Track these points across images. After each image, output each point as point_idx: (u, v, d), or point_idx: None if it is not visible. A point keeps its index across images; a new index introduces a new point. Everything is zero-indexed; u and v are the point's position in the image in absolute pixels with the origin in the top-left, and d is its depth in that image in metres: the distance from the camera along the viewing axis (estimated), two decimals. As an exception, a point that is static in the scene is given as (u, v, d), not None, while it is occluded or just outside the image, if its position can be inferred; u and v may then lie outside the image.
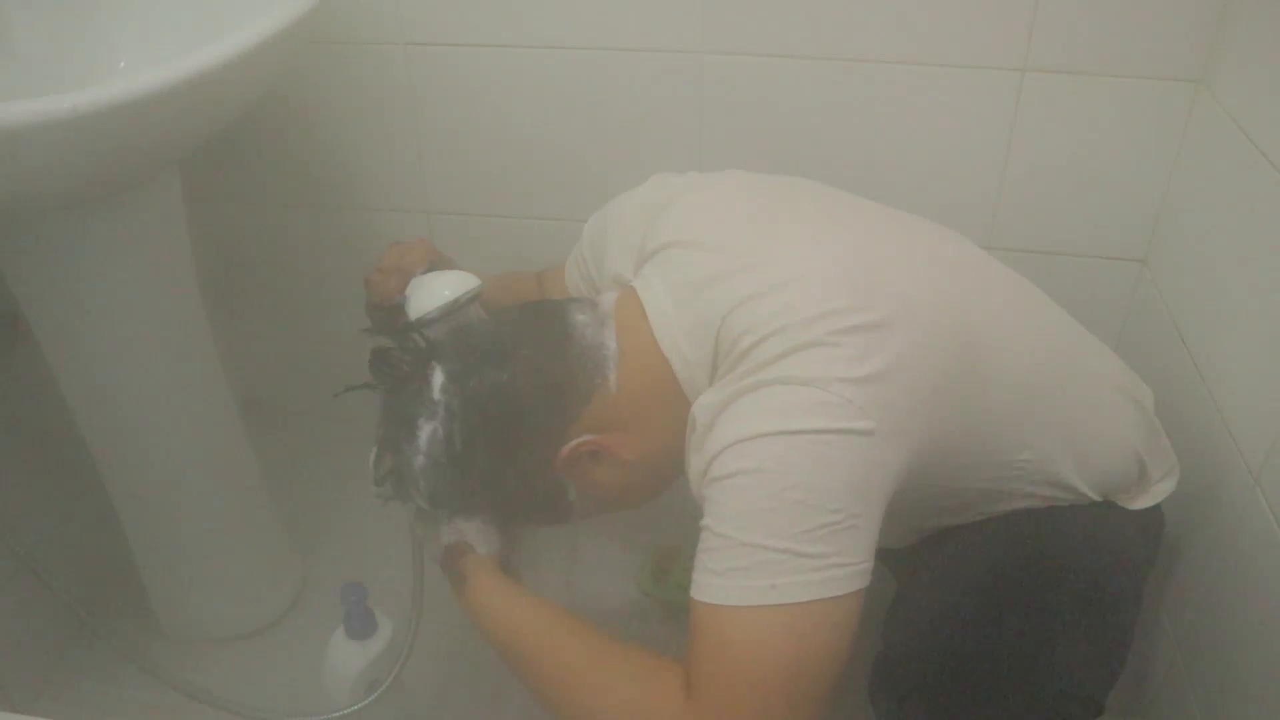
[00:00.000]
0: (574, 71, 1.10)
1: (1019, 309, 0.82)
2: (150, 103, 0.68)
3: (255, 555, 1.20)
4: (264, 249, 1.33)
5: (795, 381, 0.65)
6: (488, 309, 0.84)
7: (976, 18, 0.99)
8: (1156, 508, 0.85)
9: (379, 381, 0.80)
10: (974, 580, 0.78)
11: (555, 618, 0.75)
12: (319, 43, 1.12)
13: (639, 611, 1.22)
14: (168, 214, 0.95)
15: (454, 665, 1.13)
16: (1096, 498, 0.81)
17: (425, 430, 0.77)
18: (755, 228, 0.78)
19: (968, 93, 1.03)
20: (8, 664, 1.10)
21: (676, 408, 0.76)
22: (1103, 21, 0.96)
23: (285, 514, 1.23)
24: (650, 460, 0.80)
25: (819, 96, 1.06)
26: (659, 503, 0.87)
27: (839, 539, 0.64)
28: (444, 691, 1.13)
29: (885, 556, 0.92)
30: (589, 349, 0.78)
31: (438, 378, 0.77)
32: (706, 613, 0.65)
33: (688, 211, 0.83)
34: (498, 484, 0.80)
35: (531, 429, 0.78)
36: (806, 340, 0.66)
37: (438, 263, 0.88)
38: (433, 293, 0.82)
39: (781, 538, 0.63)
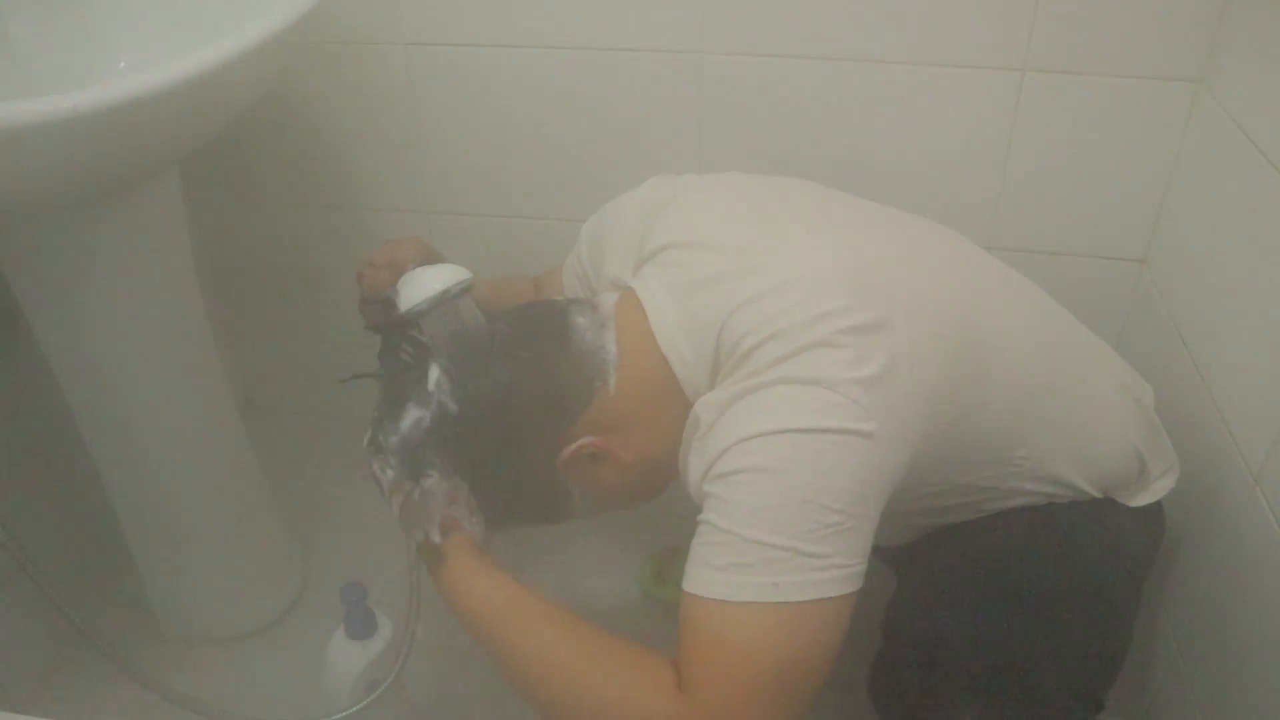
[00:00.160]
0: (574, 71, 1.10)
1: (1019, 308, 0.82)
2: (150, 103, 0.68)
3: (255, 555, 1.20)
4: (264, 249, 1.33)
5: (801, 381, 0.66)
6: (482, 307, 0.84)
7: (976, 18, 0.99)
8: (1157, 505, 0.85)
9: (384, 367, 0.80)
10: (973, 577, 0.78)
11: (539, 604, 0.73)
12: (319, 43, 1.13)
13: (639, 611, 1.22)
14: (168, 214, 0.95)
15: (454, 665, 1.13)
16: (1096, 494, 0.81)
17: (411, 415, 0.77)
18: (754, 228, 0.78)
19: (968, 93, 1.03)
20: (7, 664, 1.10)
21: (677, 408, 0.76)
22: (1103, 21, 0.96)
23: (285, 514, 1.23)
24: (651, 461, 0.79)
25: (819, 96, 1.06)
26: (659, 503, 0.87)
27: (840, 539, 0.64)
28: (444, 691, 1.13)
29: (885, 553, 0.92)
30: (589, 351, 0.78)
31: (433, 373, 0.77)
32: (703, 607, 0.65)
33: (686, 212, 0.83)
34: (497, 484, 0.80)
35: (532, 431, 0.78)
36: (809, 341, 0.66)
37: (430, 259, 0.88)
38: (422, 285, 0.82)
39: (786, 536, 0.63)
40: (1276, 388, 0.79)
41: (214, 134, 0.87)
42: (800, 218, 0.80)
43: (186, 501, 1.09)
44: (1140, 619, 0.82)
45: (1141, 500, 0.83)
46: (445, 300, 0.81)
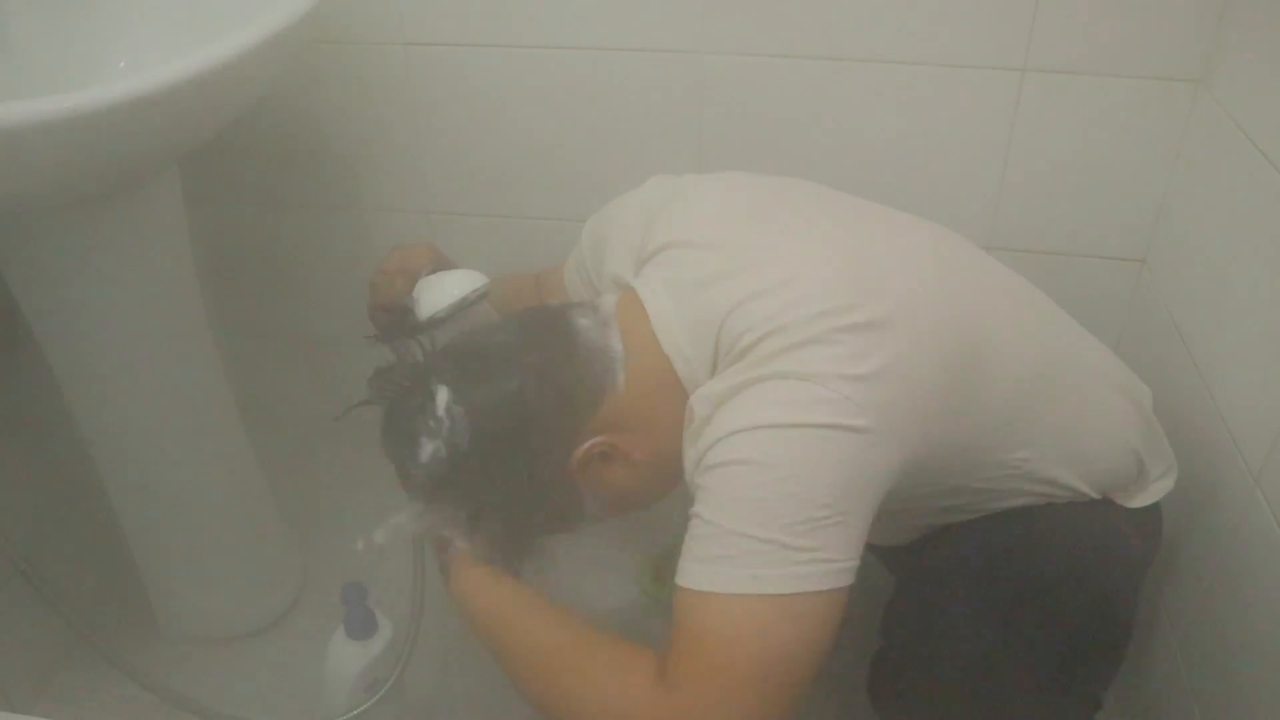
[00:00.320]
0: (574, 71, 1.10)
1: (1017, 309, 0.82)
2: (150, 103, 0.68)
3: (255, 555, 1.20)
4: (264, 249, 1.33)
5: (795, 376, 0.66)
6: (496, 308, 0.84)
7: (977, 18, 0.99)
8: (1155, 506, 0.85)
9: (379, 398, 0.79)
10: (972, 577, 0.78)
11: (536, 604, 0.76)
12: (319, 43, 1.12)
13: (639, 611, 1.22)
14: (168, 214, 0.95)
15: (454, 665, 1.13)
16: (1094, 495, 0.81)
17: (428, 448, 0.76)
18: (754, 227, 0.78)
19: (968, 93, 1.03)
20: (7, 664, 1.10)
21: (679, 406, 0.76)
22: (1103, 22, 0.96)
23: (285, 514, 1.23)
24: (659, 458, 0.79)
25: (819, 97, 1.06)
26: (659, 504, 0.87)
27: (826, 534, 0.64)
28: (444, 691, 1.13)
29: (884, 553, 0.92)
30: (595, 352, 0.78)
31: (442, 395, 0.75)
32: (686, 599, 0.66)
33: (687, 212, 0.83)
34: (512, 494, 0.79)
35: (543, 436, 0.77)
36: (806, 337, 0.67)
37: (442, 264, 0.88)
38: (443, 290, 0.82)
39: (769, 528, 0.63)
40: (1276, 388, 0.79)
41: (214, 134, 0.87)
42: (800, 217, 0.80)
43: (186, 501, 1.09)
44: (1140, 619, 0.82)
45: (1140, 501, 0.83)
46: (465, 306, 0.81)
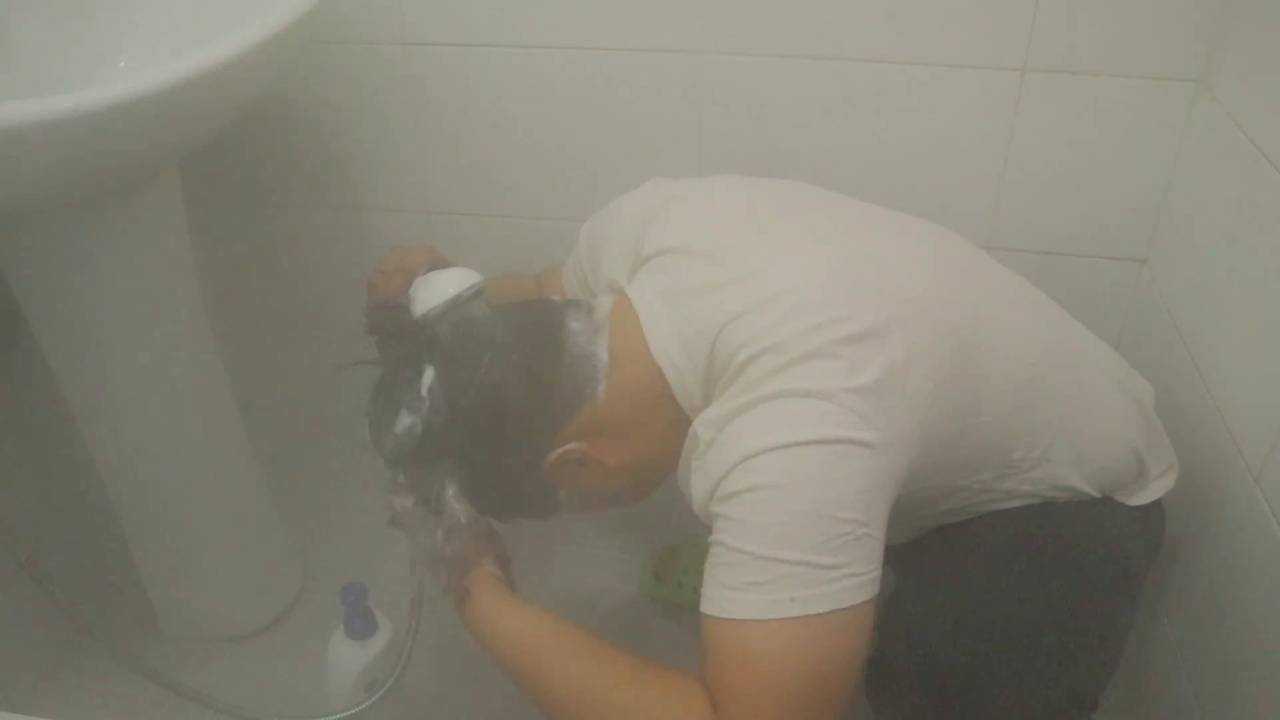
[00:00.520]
0: (574, 71, 1.10)
1: (1017, 310, 0.82)
2: (150, 103, 0.68)
3: (255, 555, 1.20)
4: (264, 249, 1.33)
5: (798, 394, 0.66)
6: (491, 306, 0.84)
7: (977, 18, 0.99)
8: (1156, 504, 0.85)
9: (383, 362, 0.80)
10: (970, 577, 0.78)
11: (569, 635, 0.73)
12: (319, 43, 1.12)
13: (639, 611, 1.22)
14: (168, 214, 0.95)
15: (454, 665, 1.13)
16: (1095, 494, 0.81)
17: (405, 420, 0.78)
18: (751, 234, 0.78)
19: (968, 93, 1.03)
20: (8, 664, 1.10)
21: (667, 414, 0.76)
22: (1103, 21, 0.96)
23: (285, 514, 1.23)
24: (637, 466, 0.80)
25: (819, 97, 1.06)
26: (659, 502, 0.87)
27: (852, 549, 0.64)
28: (444, 691, 1.13)
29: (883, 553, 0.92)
30: (580, 359, 0.78)
31: (428, 375, 0.78)
32: (726, 629, 0.65)
33: (682, 217, 0.83)
34: (477, 483, 0.80)
35: (516, 432, 0.78)
36: (804, 353, 0.67)
37: (439, 264, 0.89)
38: (437, 288, 0.83)
39: (798, 550, 0.63)
40: (1276, 388, 0.79)
41: (214, 134, 0.87)
42: (797, 222, 0.80)
43: (186, 501, 1.09)
44: (1140, 619, 0.82)
45: (1140, 500, 0.83)
46: (459, 303, 0.82)
